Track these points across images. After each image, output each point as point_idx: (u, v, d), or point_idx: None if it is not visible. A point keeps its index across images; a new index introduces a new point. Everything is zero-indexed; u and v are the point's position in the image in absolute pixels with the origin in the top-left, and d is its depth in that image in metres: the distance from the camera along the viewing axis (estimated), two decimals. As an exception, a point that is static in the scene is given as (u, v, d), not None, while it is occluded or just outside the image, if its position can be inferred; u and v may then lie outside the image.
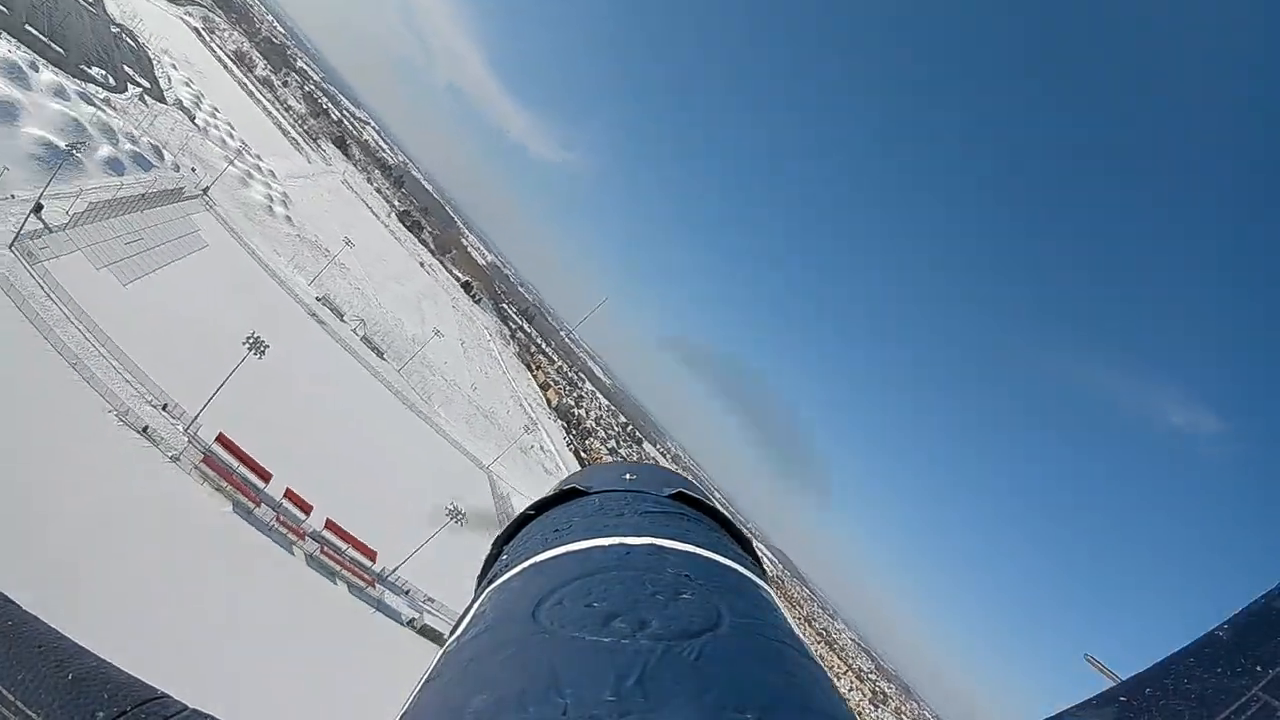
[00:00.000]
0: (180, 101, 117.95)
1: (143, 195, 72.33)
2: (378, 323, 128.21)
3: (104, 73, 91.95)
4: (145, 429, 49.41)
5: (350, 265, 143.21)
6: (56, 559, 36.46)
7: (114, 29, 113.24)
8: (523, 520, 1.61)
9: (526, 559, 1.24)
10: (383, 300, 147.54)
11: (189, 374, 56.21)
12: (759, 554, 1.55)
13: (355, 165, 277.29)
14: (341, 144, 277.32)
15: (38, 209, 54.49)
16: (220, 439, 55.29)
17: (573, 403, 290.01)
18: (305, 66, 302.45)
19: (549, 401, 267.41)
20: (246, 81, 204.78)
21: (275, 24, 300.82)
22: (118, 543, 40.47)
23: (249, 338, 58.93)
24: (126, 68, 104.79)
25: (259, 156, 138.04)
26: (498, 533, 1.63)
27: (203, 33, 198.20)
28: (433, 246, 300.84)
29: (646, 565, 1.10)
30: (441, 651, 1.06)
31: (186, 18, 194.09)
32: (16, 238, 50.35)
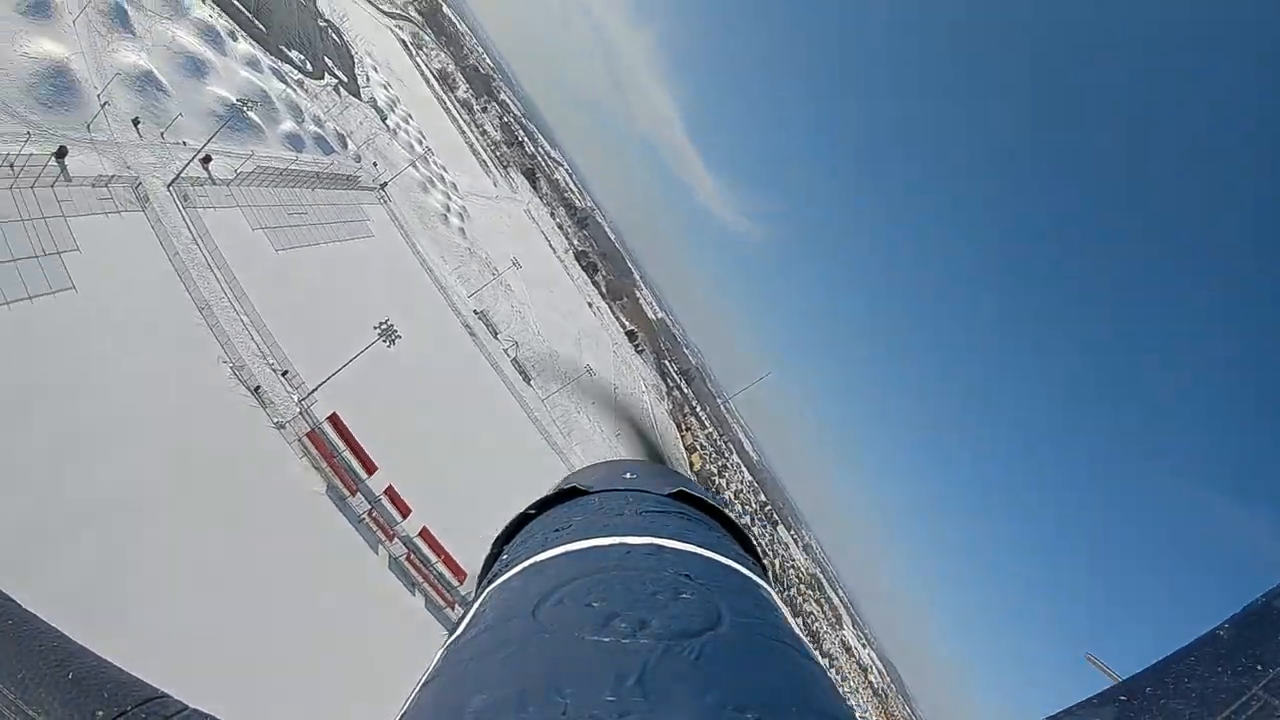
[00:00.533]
0: (374, 100, 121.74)
1: (316, 174, 72.88)
2: (531, 348, 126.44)
3: (303, 57, 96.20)
4: (257, 389, 47.06)
5: (516, 289, 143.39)
6: (126, 479, 34.68)
7: (320, 22, 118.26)
8: (523, 519, 1.61)
9: (527, 558, 1.23)
10: (542, 329, 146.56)
11: (319, 350, 54.12)
12: (760, 554, 1.58)
13: (541, 199, 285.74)
14: (531, 176, 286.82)
15: (206, 160, 55.00)
16: (332, 419, 52.45)
17: (715, 471, 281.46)
18: (508, 100, 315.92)
19: (692, 465, 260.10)
20: (446, 99, 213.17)
21: (484, 55, 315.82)
22: (193, 482, 38.16)
23: (381, 323, 56.30)
24: (326, 58, 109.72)
25: (444, 168, 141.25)
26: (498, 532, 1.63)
27: (410, 46, 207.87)
28: (604, 290, 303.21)
29: (647, 565, 1.09)
30: (441, 651, 1.06)
31: (396, 29, 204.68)
32: (176, 179, 50.22)
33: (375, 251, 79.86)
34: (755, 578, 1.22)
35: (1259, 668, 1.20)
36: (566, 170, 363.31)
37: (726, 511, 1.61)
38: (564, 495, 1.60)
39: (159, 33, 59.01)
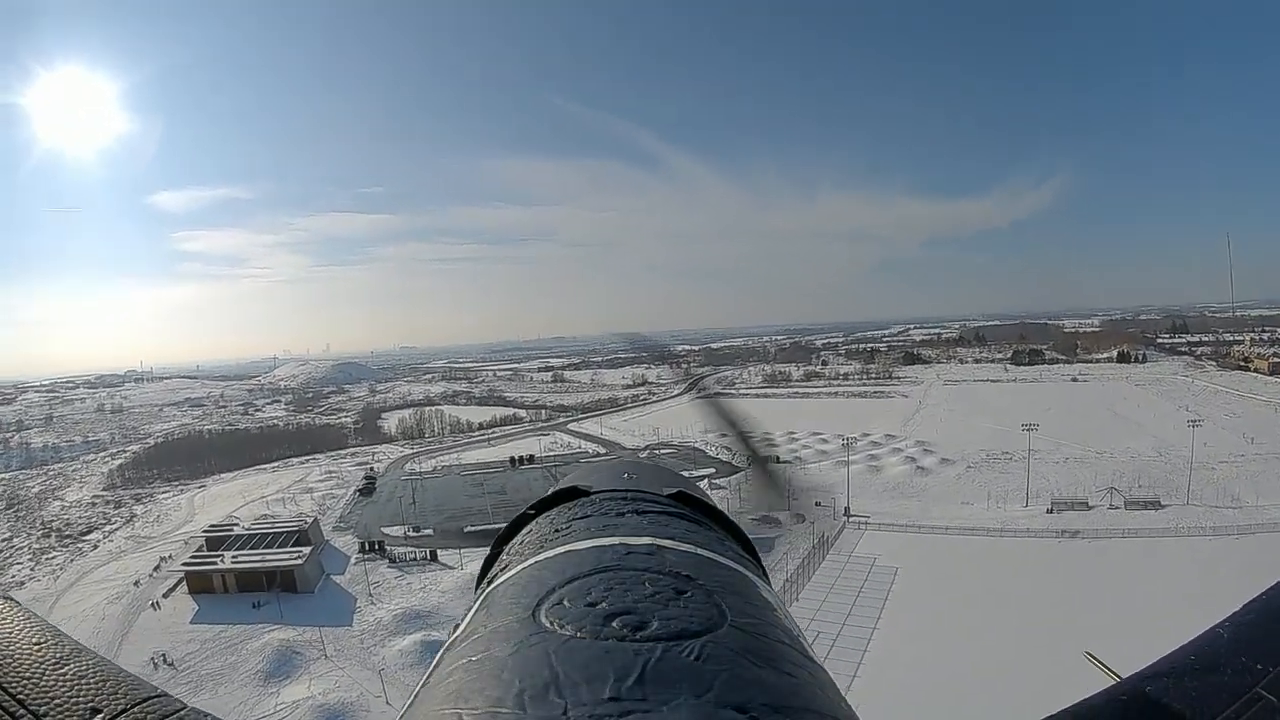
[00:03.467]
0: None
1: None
2: None
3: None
4: None
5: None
6: None
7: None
8: (523, 520, 1.63)
9: (527, 559, 1.22)
10: None
11: None
12: (759, 554, 1.58)
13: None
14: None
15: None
16: None
17: None
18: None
19: None
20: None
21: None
22: None
23: None
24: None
25: None
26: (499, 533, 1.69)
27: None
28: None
29: (647, 565, 1.07)
30: (442, 651, 1.03)
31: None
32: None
33: None
34: (755, 578, 1.20)
35: (1259, 667, 1.17)
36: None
37: (725, 513, 1.60)
38: (564, 495, 1.61)
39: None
